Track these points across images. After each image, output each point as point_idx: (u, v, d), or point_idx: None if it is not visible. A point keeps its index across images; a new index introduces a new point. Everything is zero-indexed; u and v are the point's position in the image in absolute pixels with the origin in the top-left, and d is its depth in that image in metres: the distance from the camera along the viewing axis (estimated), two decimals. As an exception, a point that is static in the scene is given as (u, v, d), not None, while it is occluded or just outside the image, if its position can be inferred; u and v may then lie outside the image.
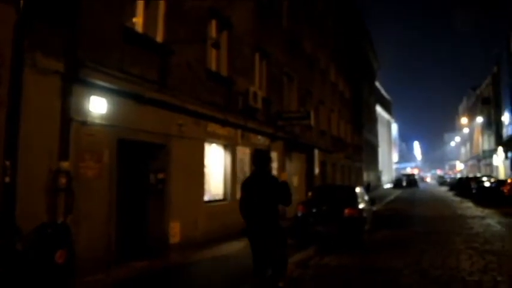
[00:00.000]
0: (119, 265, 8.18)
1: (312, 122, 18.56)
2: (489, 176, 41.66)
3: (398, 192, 46.08)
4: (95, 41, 7.71)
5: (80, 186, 7.24)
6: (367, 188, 38.70)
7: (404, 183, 61.09)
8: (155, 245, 9.60)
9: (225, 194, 12.88)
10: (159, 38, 9.88)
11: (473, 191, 32.45)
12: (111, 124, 8.01)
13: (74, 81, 7.17)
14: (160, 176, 9.76)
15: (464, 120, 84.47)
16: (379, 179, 57.87)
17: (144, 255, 9.09)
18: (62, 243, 6.26)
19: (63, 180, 6.83)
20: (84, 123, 7.42)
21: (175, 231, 9.99)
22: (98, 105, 7.64)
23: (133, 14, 9.31)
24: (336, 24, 31.33)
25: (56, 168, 6.81)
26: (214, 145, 12.49)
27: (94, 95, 7.56)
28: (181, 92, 10.21)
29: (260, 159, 6.34)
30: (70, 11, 7.20)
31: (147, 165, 9.80)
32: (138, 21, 9.42)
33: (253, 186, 6.10)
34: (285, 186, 6.11)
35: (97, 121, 7.67)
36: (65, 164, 6.93)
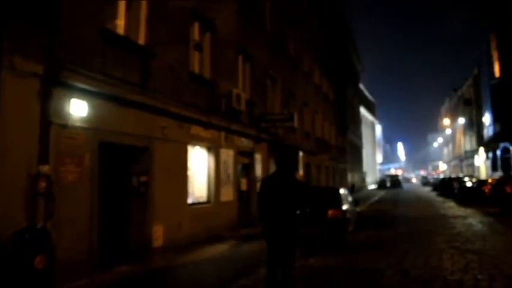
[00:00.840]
0: (101, 270, 8.09)
1: (296, 123, 18.58)
2: (471, 176, 42.22)
3: (382, 193, 46.42)
4: (75, 43, 7.63)
5: (61, 190, 7.14)
6: (352, 189, 38.88)
7: (388, 184, 61.57)
8: (138, 248, 9.52)
9: (208, 196, 12.83)
10: (141, 40, 9.82)
11: (456, 191, 32.86)
12: (92, 127, 7.93)
13: (54, 84, 7.08)
14: (143, 179, 9.69)
15: (446, 121, 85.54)
16: (363, 180, 58.26)
17: (127, 259, 9.01)
18: (42, 248, 6.15)
19: (42, 185, 6.73)
20: (65, 127, 7.32)
21: (158, 234, 9.92)
22: (78, 108, 7.55)
23: (114, 16, 9.22)
24: (319, 27, 31.50)
25: (36, 172, 6.71)
26: (197, 147, 12.45)
27: (75, 97, 7.47)
28: (163, 95, 10.16)
29: (281, 161, 6.35)
30: (50, 12, 7.10)
31: (130, 168, 9.72)
32: (119, 23, 9.34)
33: (273, 188, 6.16)
34: (303, 187, 6.32)
35: (78, 124, 7.59)
36: (45, 168, 6.84)
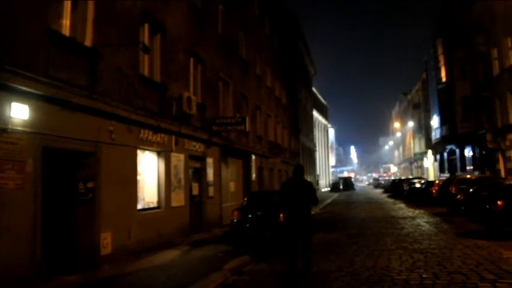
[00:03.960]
0: (45, 281, 7.78)
1: (248, 127, 18.57)
2: (420, 178, 43.70)
3: (335, 195, 47.22)
4: (17, 43, 7.28)
5: (0, 198, 6.79)
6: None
7: (341, 187, 62.71)
8: (86, 257, 9.19)
9: (159, 201, 12.59)
10: (88, 41, 9.52)
11: (405, 193, 33.87)
12: (35, 131, 7.59)
13: (-7, 87, 6.74)
14: (90, 184, 9.37)
15: (397, 124, 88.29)
16: (316, 182, 59.04)
17: (74, 268, 8.71)
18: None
19: (-20, 193, 6.39)
20: (4, 131, 6.97)
21: (107, 241, 9.63)
22: (20, 112, 7.21)
23: (60, 16, 8.87)
24: (272, 30, 31.72)
25: (-28, 179, 6.35)
26: (147, 152, 12.20)
27: (16, 101, 7.13)
28: (112, 98, 9.87)
29: (297, 170, 8.96)
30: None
31: (76, 174, 9.37)
32: (65, 23, 9.01)
33: (292, 188, 8.67)
34: (311, 186, 8.83)
35: (19, 128, 7.24)
36: (-17, 175, 6.49)
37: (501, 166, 30.33)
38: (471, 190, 15.85)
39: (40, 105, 7.68)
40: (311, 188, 8.78)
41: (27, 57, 7.47)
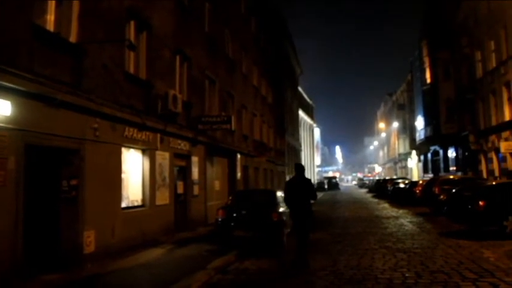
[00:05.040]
0: (27, 280, 7.67)
1: (234, 126, 18.56)
2: (404, 178, 44.11)
3: (320, 194, 47.19)
4: (-1, 39, 7.18)
5: (-19, 195, 6.70)
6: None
7: (326, 186, 62.96)
8: (69, 255, 9.09)
9: (143, 200, 12.52)
10: (73, 38, 9.40)
11: (390, 193, 34.13)
12: (18, 128, 7.48)
13: (-26, 82, 6.63)
14: (74, 182, 9.27)
15: (382, 124, 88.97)
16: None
17: (56, 267, 8.61)
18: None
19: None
20: (-14, 128, 6.88)
21: (90, 240, 9.54)
22: (2, 108, 7.11)
23: (44, 11, 8.77)
24: (258, 29, 31.71)
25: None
26: (132, 150, 12.11)
27: (-2, 97, 7.04)
28: (97, 95, 9.78)
29: (298, 168, 10.32)
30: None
31: (60, 172, 9.27)
32: (50, 19, 8.89)
33: (295, 186, 9.87)
34: (311, 184, 10.09)
35: (1, 125, 7.14)
36: (-37, 172, 6.39)
37: (483, 167, 30.78)
38: (454, 190, 16.02)
39: (23, 102, 7.58)
40: (311, 185, 10.00)
41: (9, 53, 7.35)
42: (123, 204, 11.37)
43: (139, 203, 12.41)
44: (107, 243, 10.06)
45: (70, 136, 9.00)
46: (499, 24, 26.46)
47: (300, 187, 9.78)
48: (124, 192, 11.48)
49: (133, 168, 12.26)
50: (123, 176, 11.34)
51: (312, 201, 9.97)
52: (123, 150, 11.37)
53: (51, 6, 8.98)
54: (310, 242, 10.12)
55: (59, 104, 8.42)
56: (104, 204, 10.14)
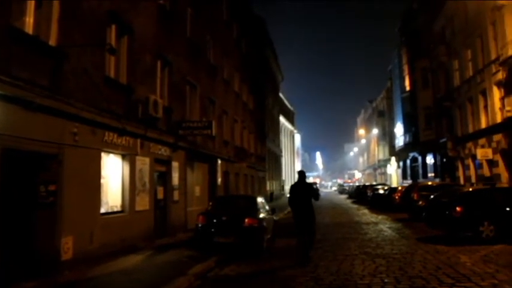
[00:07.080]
0: None
1: (215, 131, 18.53)
2: (383, 184, 44.57)
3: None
4: (-24, 41, 7.06)
5: (-44, 200, 6.55)
6: (270, 197, 39.41)
7: None
8: (46, 262, 8.91)
9: (123, 205, 12.38)
10: (53, 41, 9.29)
11: (369, 199, 34.44)
12: (-6, 132, 7.36)
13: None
14: (52, 187, 9.12)
15: (362, 131, 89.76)
16: (282, 188, 59.28)
17: (33, 274, 8.43)
18: None
19: None
20: (-38, 131, 6.74)
21: (68, 246, 9.39)
22: (-22, 112, 6.99)
23: (23, 14, 8.64)
24: (240, 36, 31.77)
25: None
26: (112, 155, 11.99)
27: (-26, 100, 6.91)
28: (76, 99, 9.66)
29: (301, 175, 11.16)
30: None
31: (37, 177, 9.10)
32: (28, 21, 8.77)
33: (298, 190, 10.83)
34: (313, 187, 11.47)
35: (-23, 129, 7.01)
36: None
37: (460, 173, 31.29)
38: (432, 197, 16.25)
39: (0, 105, 7.45)
40: (313, 188, 11.25)
41: (-13, 55, 7.24)
42: (102, 210, 11.23)
43: (119, 208, 12.27)
44: (85, 250, 9.92)
45: (49, 140, 8.87)
46: (475, 34, 27.00)
47: (302, 191, 10.74)
48: (103, 198, 11.35)
49: (113, 173, 12.13)
50: (102, 181, 11.21)
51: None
52: (103, 155, 11.25)
53: (30, 8, 8.85)
54: (310, 243, 10.69)
55: (36, 107, 8.30)
56: (82, 210, 10.00)
